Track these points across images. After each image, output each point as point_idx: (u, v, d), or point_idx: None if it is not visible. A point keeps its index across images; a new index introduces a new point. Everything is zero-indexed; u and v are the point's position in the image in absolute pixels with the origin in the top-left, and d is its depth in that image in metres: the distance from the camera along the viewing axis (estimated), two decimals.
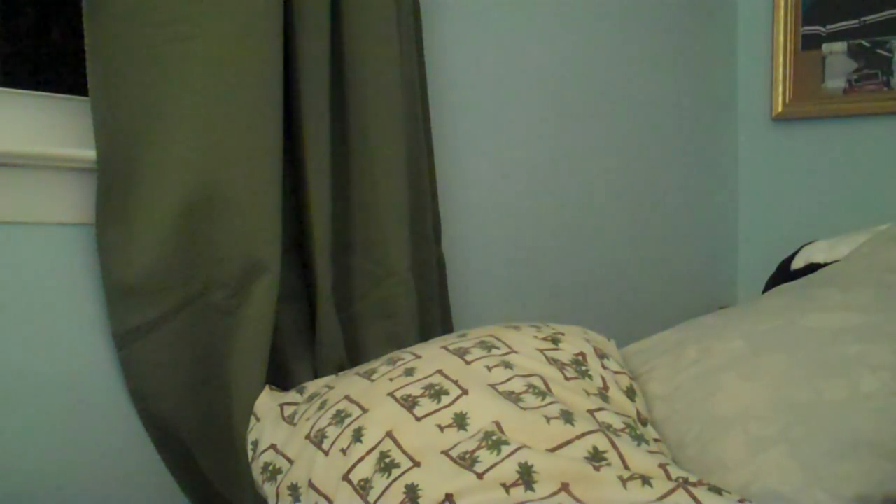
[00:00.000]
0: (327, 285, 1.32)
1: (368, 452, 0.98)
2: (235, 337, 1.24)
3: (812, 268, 1.48)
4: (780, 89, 2.32)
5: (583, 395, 1.03)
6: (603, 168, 2.01)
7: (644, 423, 1.06)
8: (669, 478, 0.88)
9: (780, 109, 2.33)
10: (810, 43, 2.27)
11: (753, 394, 1.04)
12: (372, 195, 1.39)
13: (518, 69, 1.81)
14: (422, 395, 1.03)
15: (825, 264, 1.45)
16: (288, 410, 1.17)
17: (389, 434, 0.99)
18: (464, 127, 1.70)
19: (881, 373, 1.01)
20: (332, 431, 1.04)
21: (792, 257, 1.59)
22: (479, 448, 0.93)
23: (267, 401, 1.21)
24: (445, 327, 1.55)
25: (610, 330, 1.30)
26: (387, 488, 0.93)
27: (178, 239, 1.19)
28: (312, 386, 1.22)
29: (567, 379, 1.06)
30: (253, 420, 1.20)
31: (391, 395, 1.05)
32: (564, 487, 0.87)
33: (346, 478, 0.97)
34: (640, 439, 0.97)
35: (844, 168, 2.26)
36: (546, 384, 1.04)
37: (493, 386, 1.02)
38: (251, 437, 1.18)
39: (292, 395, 1.21)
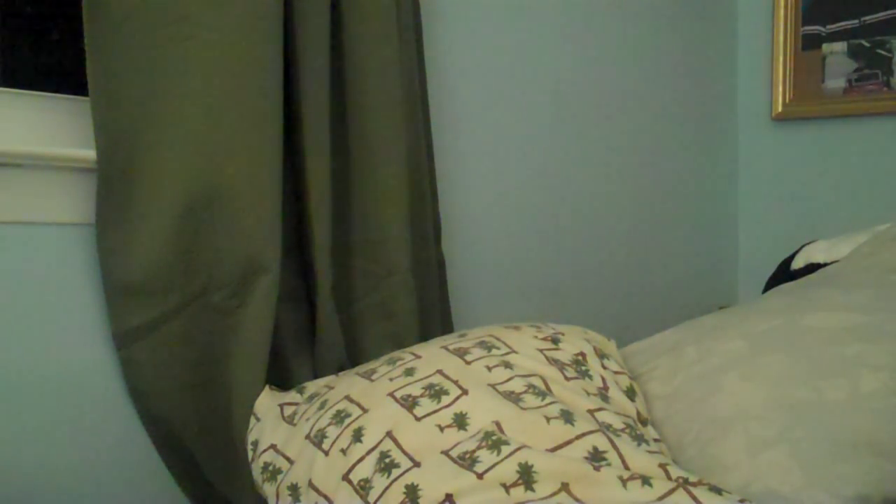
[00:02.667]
0: (327, 285, 1.32)
1: (368, 452, 0.98)
2: (235, 337, 1.24)
3: (812, 268, 1.48)
4: (780, 89, 2.32)
5: (583, 395, 1.03)
6: (603, 168, 2.01)
7: (644, 423, 1.06)
8: (669, 478, 0.88)
9: (780, 109, 2.33)
10: (810, 43, 2.27)
11: (753, 394, 1.04)
12: (372, 195, 1.39)
13: (518, 68, 1.81)
14: (422, 395, 1.03)
15: (825, 264, 1.45)
16: (288, 410, 1.17)
17: (389, 434, 0.99)
18: (464, 127, 1.70)
19: (881, 373, 1.01)
20: (332, 431, 1.04)
21: (792, 257, 1.59)
22: (479, 448, 0.93)
23: (267, 401, 1.21)
24: (445, 327, 1.55)
25: (610, 330, 1.30)
26: (387, 488, 0.93)
27: (178, 239, 1.19)
28: (312, 386, 1.22)
29: (567, 379, 1.06)
30: (253, 420, 1.20)
31: (391, 395, 1.05)
32: (564, 487, 0.87)
33: (346, 478, 0.97)
34: (640, 439, 0.97)
35: (844, 168, 2.26)
36: (546, 384, 1.04)
37: (493, 386, 1.02)
38: (251, 437, 1.18)
39: (292, 395, 1.21)
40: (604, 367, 1.13)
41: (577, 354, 1.13)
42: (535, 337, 1.15)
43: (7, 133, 1.20)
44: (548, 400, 1.00)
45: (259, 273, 1.24)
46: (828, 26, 2.25)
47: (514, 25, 1.80)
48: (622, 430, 0.98)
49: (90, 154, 1.16)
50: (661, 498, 0.85)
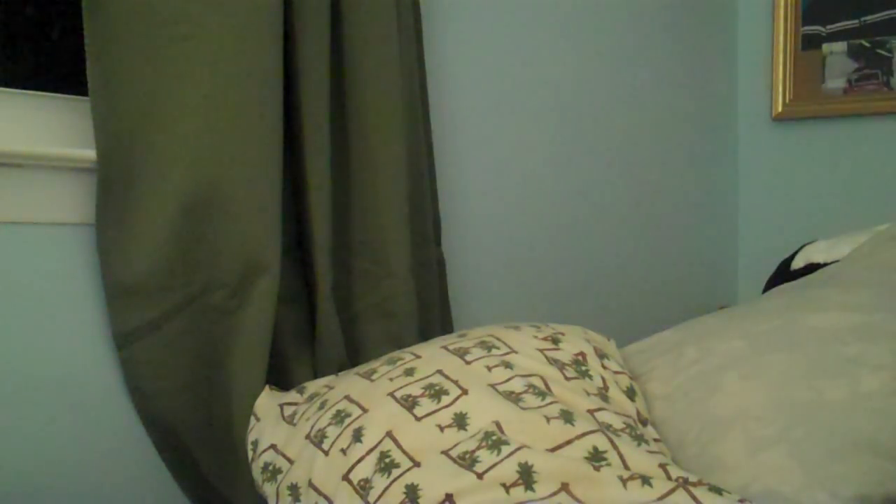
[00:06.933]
0: (327, 285, 1.32)
1: (368, 452, 0.98)
2: (235, 337, 1.24)
3: (812, 268, 1.48)
4: (780, 89, 2.32)
5: (583, 395, 1.03)
6: (603, 168, 2.01)
7: (644, 423, 1.06)
8: (669, 478, 0.88)
9: (780, 109, 2.33)
10: (810, 43, 2.27)
11: (753, 394, 1.04)
12: (372, 195, 1.39)
13: (517, 69, 1.81)
14: (422, 395, 1.03)
15: (825, 264, 1.45)
16: (288, 410, 1.17)
17: (389, 434, 0.99)
18: (464, 127, 1.70)
19: (881, 373, 1.01)
20: (332, 431, 1.04)
21: (792, 257, 1.59)
22: (479, 448, 0.93)
23: (267, 401, 1.21)
24: (445, 327, 1.55)
25: (610, 330, 1.30)
26: (387, 488, 0.93)
27: (178, 239, 1.19)
28: (312, 386, 1.22)
29: (567, 379, 1.06)
30: (253, 420, 1.20)
31: (391, 395, 1.05)
32: (564, 487, 0.87)
33: (346, 478, 0.97)
34: (640, 439, 0.97)
35: (844, 168, 2.26)
36: (546, 384, 1.04)
37: (493, 386, 1.02)
38: (251, 437, 1.18)
39: (292, 395, 1.21)
40: (604, 367, 1.13)
41: (577, 354, 1.13)
42: (535, 337, 1.15)
43: (7, 133, 1.20)
44: (548, 400, 1.00)
45: (259, 273, 1.24)
46: (828, 26, 2.24)
47: (514, 25, 1.80)
48: (622, 430, 0.98)
49: (90, 154, 1.16)
50: (661, 498, 0.85)
